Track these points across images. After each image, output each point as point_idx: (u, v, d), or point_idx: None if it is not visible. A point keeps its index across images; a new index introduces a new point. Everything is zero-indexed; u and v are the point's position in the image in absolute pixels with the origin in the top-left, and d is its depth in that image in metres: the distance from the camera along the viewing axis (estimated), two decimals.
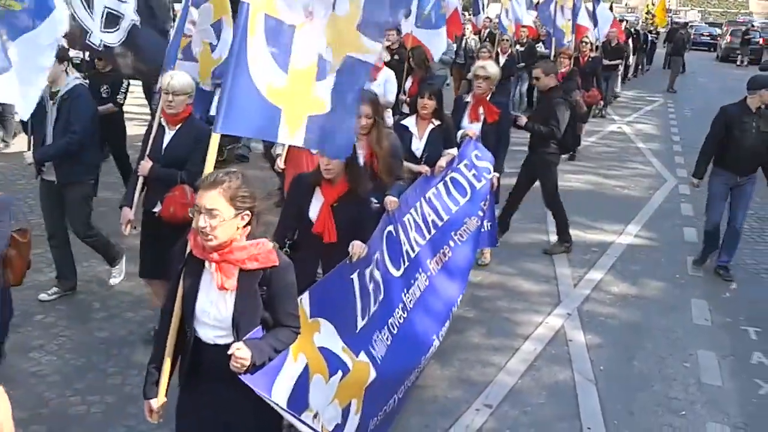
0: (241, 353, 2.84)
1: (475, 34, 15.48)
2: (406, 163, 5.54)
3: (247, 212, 2.94)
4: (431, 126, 5.95)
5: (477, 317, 6.18)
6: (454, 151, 6.03)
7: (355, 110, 3.66)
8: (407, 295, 4.92)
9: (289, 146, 6.00)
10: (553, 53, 11.94)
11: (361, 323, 4.16)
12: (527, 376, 5.31)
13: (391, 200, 4.89)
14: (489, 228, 6.37)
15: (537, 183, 7.68)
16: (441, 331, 5.15)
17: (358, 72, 3.56)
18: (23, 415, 4.31)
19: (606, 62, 15.18)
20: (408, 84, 9.17)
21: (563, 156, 10.97)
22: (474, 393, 5.04)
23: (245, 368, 2.87)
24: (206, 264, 3.00)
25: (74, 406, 4.64)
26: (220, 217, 2.86)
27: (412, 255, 5.09)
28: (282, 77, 3.30)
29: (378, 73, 7.89)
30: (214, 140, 3.16)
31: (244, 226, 2.97)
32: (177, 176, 4.84)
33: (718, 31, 40.94)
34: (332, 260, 4.12)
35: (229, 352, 2.84)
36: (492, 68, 6.72)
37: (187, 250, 3.08)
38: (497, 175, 6.34)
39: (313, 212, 4.31)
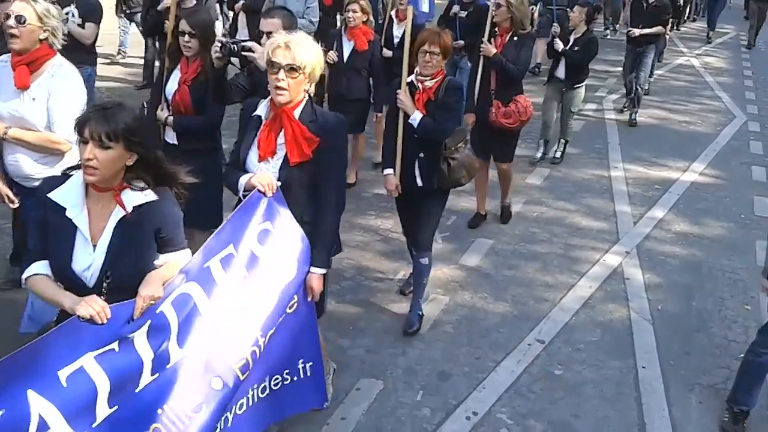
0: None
1: None
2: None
3: None
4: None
5: (532, 253, 6.11)
6: (181, 256, 2.93)
7: None
8: None
9: None
10: None
11: None
12: (582, 313, 5.24)
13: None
14: (309, 373, 3.47)
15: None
16: None
17: None
18: None
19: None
20: None
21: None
22: (526, 328, 5.00)
23: None
24: None
25: None
26: None
27: None
28: None
29: None
30: None
31: None
32: None
33: None
34: None
35: None
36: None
37: None
38: (321, 272, 3.37)
39: None
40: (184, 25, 4.35)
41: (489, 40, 6.07)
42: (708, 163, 8.58)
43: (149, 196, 2.76)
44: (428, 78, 4.53)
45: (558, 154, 8.25)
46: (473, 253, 6.00)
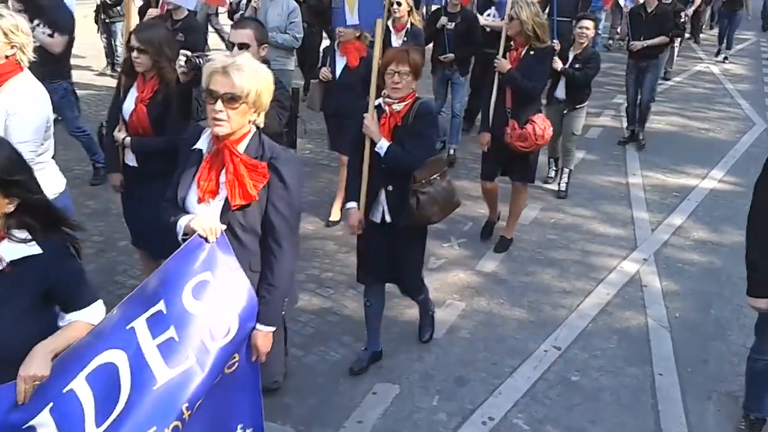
0: None
1: None
2: None
3: None
4: None
5: (549, 259, 6.10)
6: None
7: None
8: None
9: None
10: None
11: None
12: (599, 319, 5.23)
13: None
14: None
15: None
16: None
17: None
18: None
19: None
20: None
21: None
22: (543, 334, 5.00)
23: None
24: None
25: None
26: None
27: None
28: None
29: None
30: None
31: None
32: None
33: None
34: None
35: None
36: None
37: None
38: (267, 330, 2.90)
39: None
40: (133, 40, 4.08)
41: (504, 55, 5.74)
42: (727, 171, 8.53)
43: (33, 248, 2.31)
44: (396, 101, 4.06)
45: (563, 186, 7.48)
46: (489, 259, 6.00)
